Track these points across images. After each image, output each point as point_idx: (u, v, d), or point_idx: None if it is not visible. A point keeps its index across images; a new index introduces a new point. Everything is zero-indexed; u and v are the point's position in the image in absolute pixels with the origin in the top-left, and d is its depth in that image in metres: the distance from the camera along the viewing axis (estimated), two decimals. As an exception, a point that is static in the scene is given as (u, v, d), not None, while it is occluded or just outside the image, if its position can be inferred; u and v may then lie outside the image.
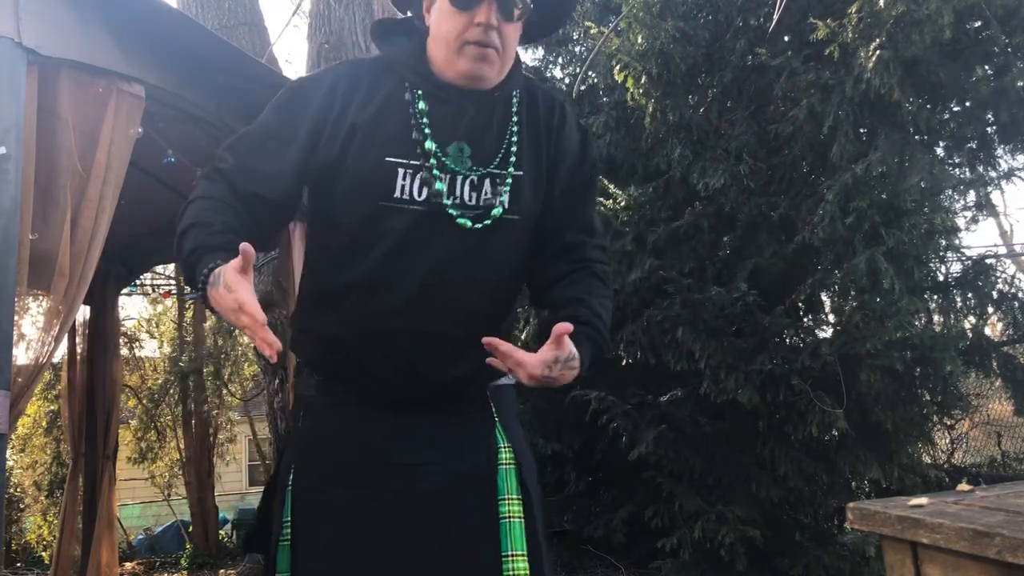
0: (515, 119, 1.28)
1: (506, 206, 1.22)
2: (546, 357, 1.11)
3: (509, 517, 1.23)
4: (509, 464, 1.27)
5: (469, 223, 1.19)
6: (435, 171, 1.18)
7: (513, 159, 1.25)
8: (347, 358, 1.23)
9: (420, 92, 1.23)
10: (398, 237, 1.18)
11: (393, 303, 1.19)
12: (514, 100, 1.29)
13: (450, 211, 1.19)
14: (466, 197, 1.21)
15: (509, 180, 1.23)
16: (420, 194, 1.18)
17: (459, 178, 1.21)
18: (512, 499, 1.24)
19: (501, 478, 1.26)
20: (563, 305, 1.28)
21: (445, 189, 1.19)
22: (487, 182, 1.22)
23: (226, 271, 1.02)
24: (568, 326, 1.10)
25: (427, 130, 1.20)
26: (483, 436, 1.28)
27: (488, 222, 1.20)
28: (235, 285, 1.00)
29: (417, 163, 1.19)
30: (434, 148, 1.19)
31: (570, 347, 1.13)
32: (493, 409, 1.31)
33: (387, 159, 1.18)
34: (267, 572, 1.25)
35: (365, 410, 1.24)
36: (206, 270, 1.05)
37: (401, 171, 1.18)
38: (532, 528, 1.23)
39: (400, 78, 1.25)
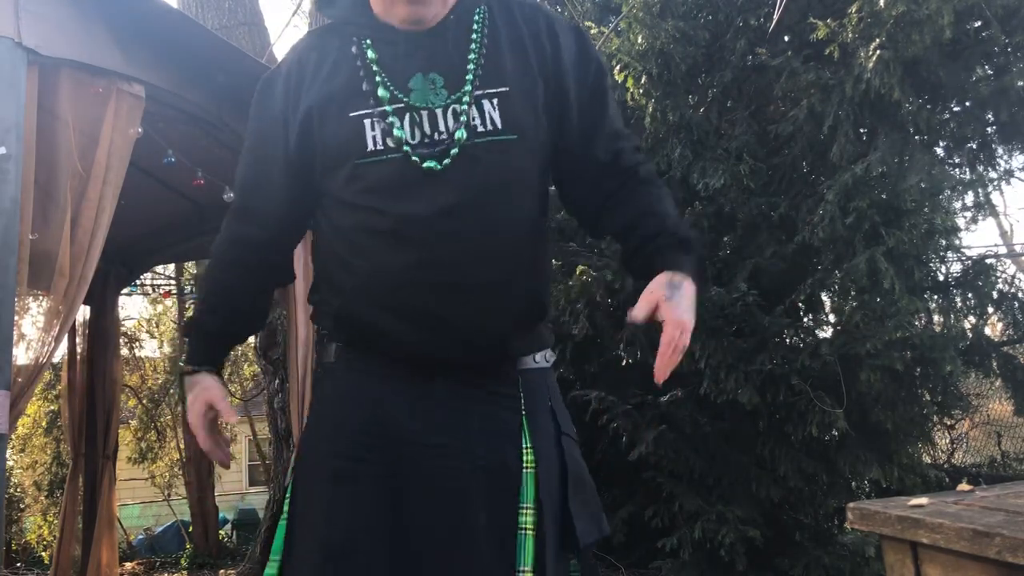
0: (474, 36, 1.17)
1: (499, 126, 1.13)
2: (666, 340, 1.08)
3: (525, 529, 1.12)
4: (530, 468, 1.15)
5: (435, 164, 1.10)
6: (391, 117, 1.11)
7: (480, 74, 1.15)
8: (365, 325, 1.17)
9: (368, 41, 1.18)
10: (386, 190, 1.11)
11: (402, 258, 1.11)
12: (476, 17, 1.19)
13: (413, 158, 1.10)
14: (451, 129, 1.12)
15: (489, 99, 1.14)
16: (393, 141, 1.13)
17: (438, 112, 1.13)
18: (528, 509, 1.13)
19: (523, 483, 1.14)
20: (626, 231, 1.20)
21: (407, 134, 1.11)
22: (474, 108, 1.13)
23: (204, 395, 1.26)
24: (642, 311, 1.08)
25: (377, 77, 1.14)
26: (511, 433, 1.16)
27: (447, 161, 1.10)
28: (196, 416, 1.26)
29: (383, 110, 1.13)
30: (388, 94, 1.13)
31: (670, 310, 1.08)
32: (522, 400, 1.19)
33: (351, 115, 1.14)
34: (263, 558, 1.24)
35: (386, 376, 1.17)
36: (191, 366, 1.29)
37: (368, 122, 1.13)
38: (541, 545, 1.11)
39: (347, 35, 1.20)
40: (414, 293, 1.11)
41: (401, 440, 1.13)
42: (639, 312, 1.08)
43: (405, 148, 1.11)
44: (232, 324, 1.32)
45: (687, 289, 1.10)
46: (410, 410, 1.14)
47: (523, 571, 1.10)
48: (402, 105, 1.13)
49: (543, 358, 1.25)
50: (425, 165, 1.10)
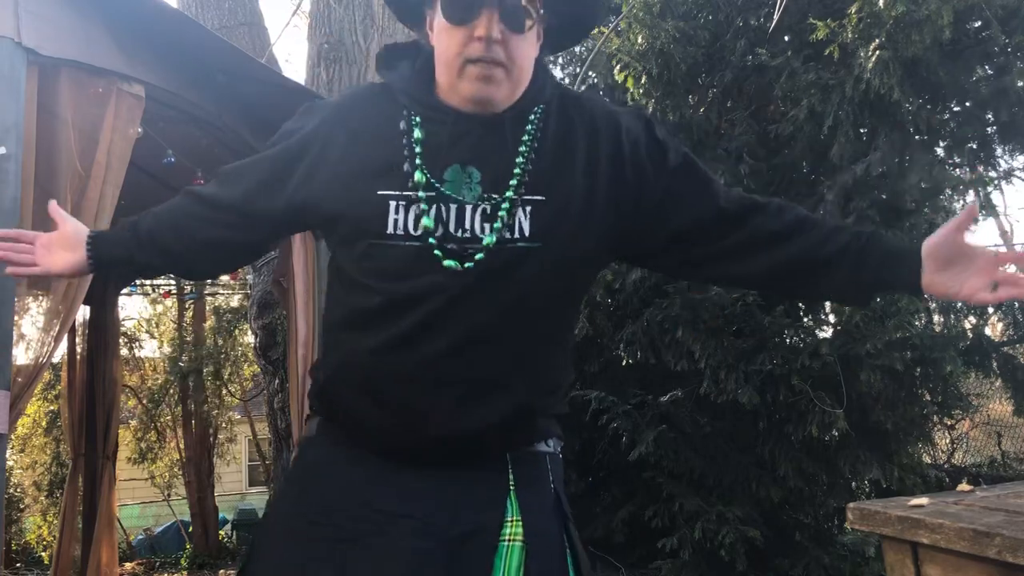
0: (526, 137, 1.11)
1: (526, 234, 1.06)
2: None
3: None
4: (513, 541, 1.05)
5: (456, 264, 1.04)
6: (423, 204, 1.06)
7: (526, 181, 1.09)
8: (343, 404, 1.14)
9: (418, 119, 1.12)
10: (391, 275, 1.07)
11: (387, 344, 1.06)
12: (532, 117, 1.13)
13: (435, 252, 1.05)
14: (476, 228, 1.06)
15: (523, 206, 1.08)
16: (416, 228, 1.06)
17: (467, 208, 1.07)
18: None
19: (499, 556, 1.04)
20: (808, 252, 1.11)
21: (432, 224, 1.06)
22: (504, 209, 1.07)
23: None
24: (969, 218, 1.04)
25: (418, 160, 1.09)
26: (489, 503, 1.08)
27: (470, 265, 1.04)
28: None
29: (410, 195, 1.07)
30: (424, 180, 1.07)
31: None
32: (511, 477, 1.10)
33: (378, 193, 1.08)
34: None
35: (359, 452, 1.12)
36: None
37: (393, 204, 1.07)
38: None
39: (399, 105, 1.14)
40: (392, 382, 1.07)
41: (367, 506, 1.08)
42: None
43: (431, 240, 1.05)
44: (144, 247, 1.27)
45: None
46: (381, 479, 1.10)
47: None
48: (434, 194, 1.07)
49: (547, 444, 1.17)
50: (446, 263, 1.04)
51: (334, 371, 1.14)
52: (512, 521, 1.07)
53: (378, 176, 1.09)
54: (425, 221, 1.05)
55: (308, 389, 1.28)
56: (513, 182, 1.08)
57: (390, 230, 1.07)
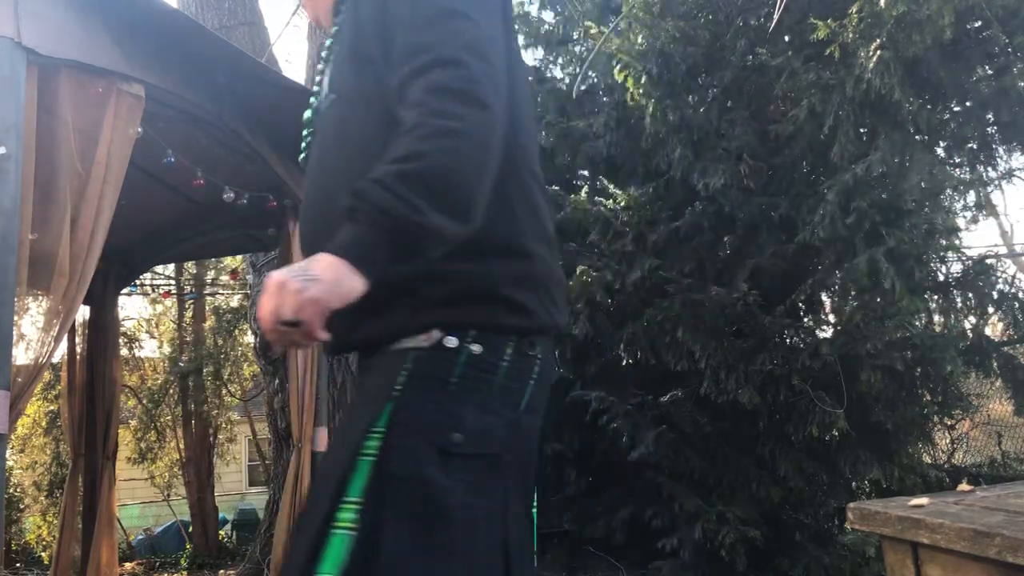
0: (336, 18, 1.26)
1: (326, 90, 1.21)
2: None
3: (337, 525, 0.93)
4: (369, 456, 0.95)
5: (304, 143, 1.27)
6: (316, 88, 1.26)
7: (333, 46, 1.24)
8: None
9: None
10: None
11: None
12: (342, 7, 1.23)
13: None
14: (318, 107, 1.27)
15: (328, 66, 1.23)
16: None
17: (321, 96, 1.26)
18: (348, 503, 0.93)
19: (356, 472, 0.95)
20: None
21: (316, 101, 1.26)
22: (323, 75, 1.25)
23: None
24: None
25: (317, 77, 1.29)
26: (364, 416, 0.98)
27: (309, 138, 1.24)
28: None
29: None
30: (320, 67, 1.27)
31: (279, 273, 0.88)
32: (362, 387, 1.07)
33: None
34: None
35: None
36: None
37: None
38: (360, 550, 0.90)
39: None
40: None
41: None
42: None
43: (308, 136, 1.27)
44: None
45: (317, 280, 0.87)
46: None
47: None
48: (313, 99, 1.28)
49: (420, 340, 0.98)
50: (303, 146, 1.25)
51: None
52: (378, 433, 0.96)
53: None
54: (311, 99, 1.26)
55: None
56: (323, 52, 1.24)
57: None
